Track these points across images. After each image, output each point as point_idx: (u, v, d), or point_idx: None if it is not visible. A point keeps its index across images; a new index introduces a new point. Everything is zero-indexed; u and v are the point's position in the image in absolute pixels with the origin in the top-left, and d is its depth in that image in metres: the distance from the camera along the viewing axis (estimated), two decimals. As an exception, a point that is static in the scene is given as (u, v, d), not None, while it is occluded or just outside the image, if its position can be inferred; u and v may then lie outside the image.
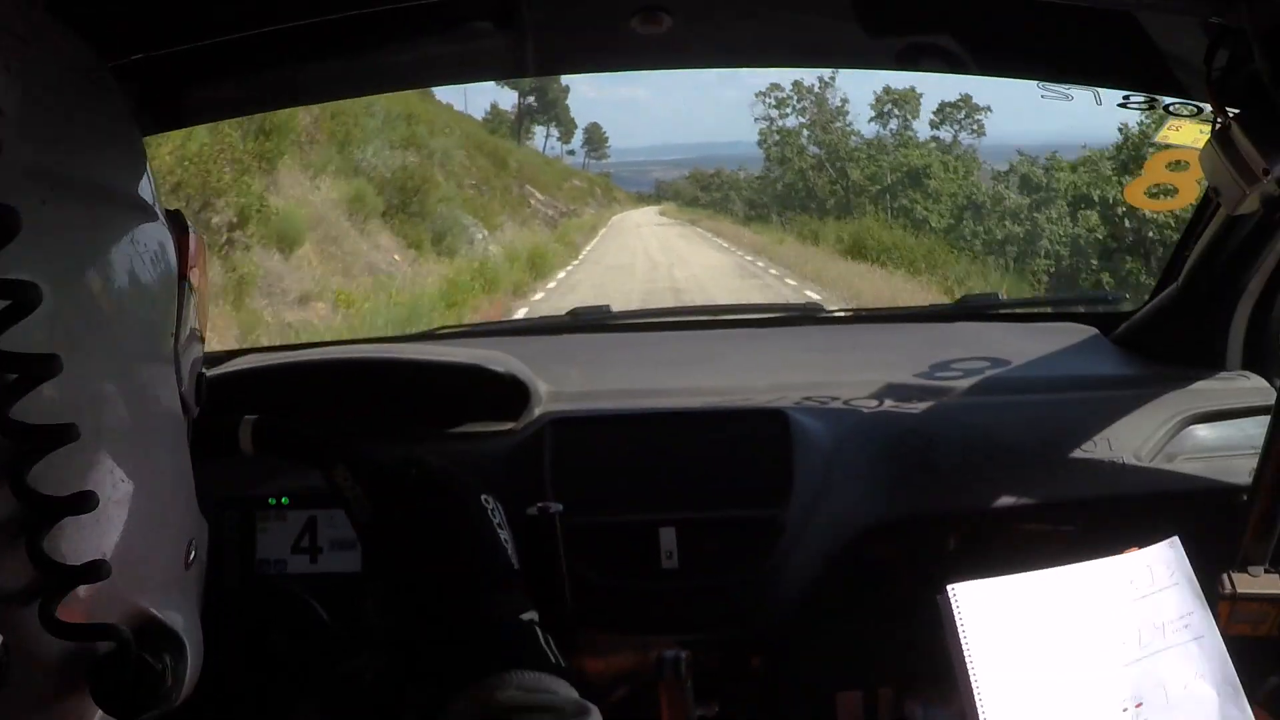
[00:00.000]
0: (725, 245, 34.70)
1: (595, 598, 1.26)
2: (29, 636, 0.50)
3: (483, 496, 0.94)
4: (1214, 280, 1.60)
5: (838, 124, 46.02)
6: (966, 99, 43.70)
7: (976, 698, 0.99)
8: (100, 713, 0.55)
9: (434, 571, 0.89)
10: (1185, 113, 1.21)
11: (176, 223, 0.65)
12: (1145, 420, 1.47)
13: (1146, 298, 1.79)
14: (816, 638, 1.42)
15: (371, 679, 1.10)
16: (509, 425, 1.47)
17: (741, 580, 1.32)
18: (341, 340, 2.14)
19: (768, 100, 47.22)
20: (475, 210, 23.38)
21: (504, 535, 0.92)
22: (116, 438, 0.55)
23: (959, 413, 1.50)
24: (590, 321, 1.98)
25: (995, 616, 1.03)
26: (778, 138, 47.64)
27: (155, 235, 0.60)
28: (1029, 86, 1.26)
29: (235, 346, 2.20)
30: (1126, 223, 24.70)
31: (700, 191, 65.39)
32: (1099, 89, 1.27)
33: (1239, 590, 1.15)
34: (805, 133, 46.88)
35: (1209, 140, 1.08)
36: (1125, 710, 0.99)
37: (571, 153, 71.66)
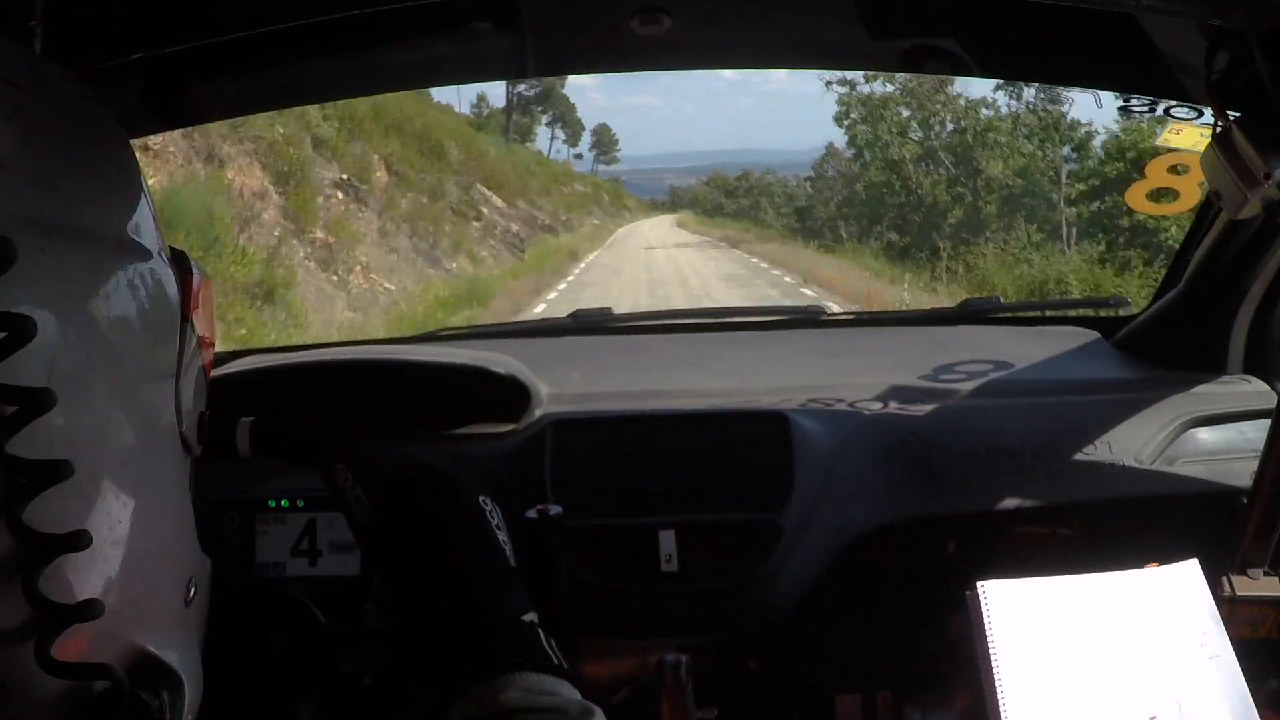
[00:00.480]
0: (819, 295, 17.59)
1: (595, 601, 1.26)
2: (24, 674, 0.50)
3: (480, 497, 0.94)
4: (1215, 284, 1.60)
5: (948, 94, 28.77)
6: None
7: (999, 695, 0.99)
8: None
9: (433, 571, 0.90)
10: (1186, 116, 1.21)
11: (180, 264, 0.65)
12: (1146, 423, 1.47)
13: (1148, 302, 1.79)
14: (816, 641, 1.42)
15: (370, 681, 1.10)
16: (509, 427, 1.47)
17: (741, 583, 1.32)
18: (342, 342, 2.14)
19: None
20: (338, 228, 14.71)
21: (502, 537, 0.92)
22: (115, 476, 0.55)
23: (960, 416, 1.50)
24: (591, 323, 1.97)
25: (1022, 617, 1.04)
26: (863, 111, 30.33)
27: (156, 278, 0.60)
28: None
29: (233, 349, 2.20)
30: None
31: (725, 198, 59.99)
32: (1100, 91, 1.27)
33: (1238, 593, 1.15)
34: (904, 110, 29.95)
35: (1210, 143, 1.08)
36: None
37: (579, 156, 68.22)
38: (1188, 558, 1.10)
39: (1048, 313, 2.10)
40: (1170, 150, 1.25)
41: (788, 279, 21.75)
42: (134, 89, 1.19)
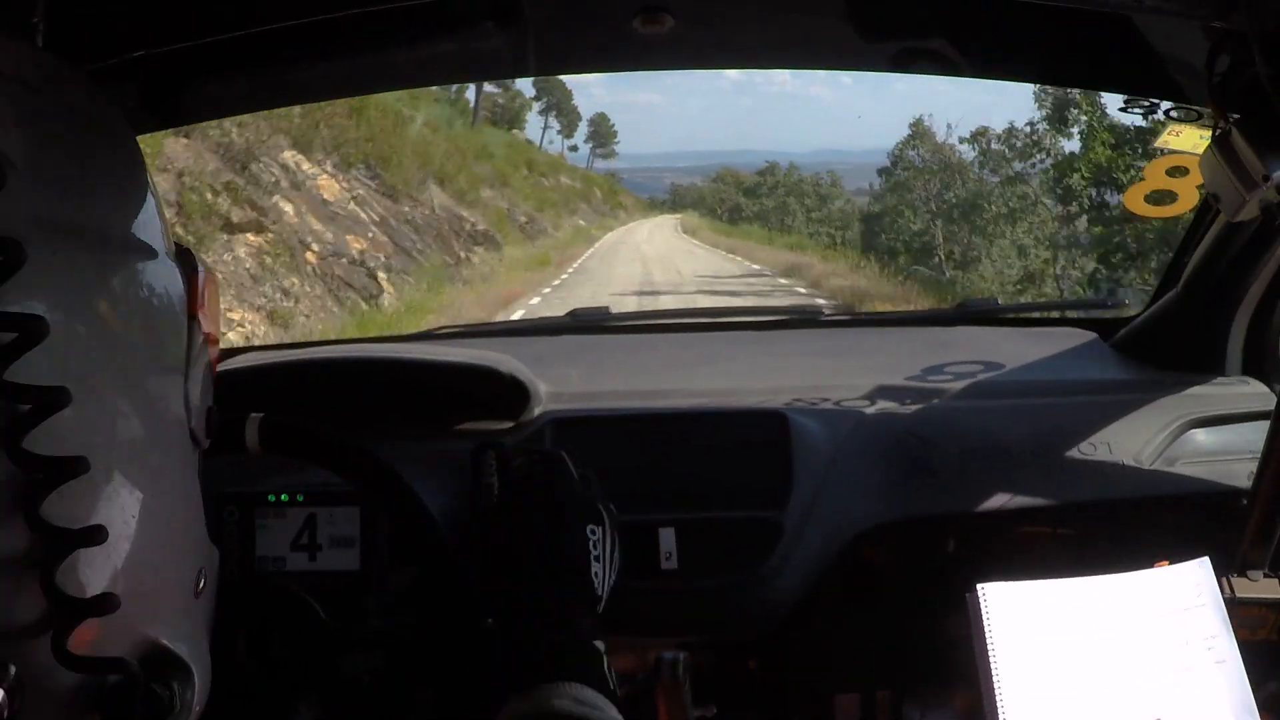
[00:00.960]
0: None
1: None
2: (41, 667, 0.51)
3: (589, 526, 1.05)
4: (1214, 286, 1.60)
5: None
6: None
7: (997, 698, 0.99)
8: None
9: (530, 581, 1.00)
10: (1186, 118, 1.21)
11: (186, 262, 0.65)
12: (1145, 424, 1.47)
13: (1146, 303, 1.80)
14: (814, 640, 1.42)
15: (370, 679, 1.10)
16: (509, 425, 1.47)
17: (740, 582, 1.32)
18: (342, 339, 2.14)
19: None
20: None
21: (596, 568, 1.03)
22: (127, 472, 0.56)
23: (958, 416, 1.50)
24: (590, 323, 1.98)
25: (1023, 619, 1.04)
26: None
27: (163, 275, 0.61)
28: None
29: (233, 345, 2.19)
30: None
31: (743, 197, 50.95)
32: (1100, 93, 1.26)
33: (1238, 595, 1.15)
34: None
35: (1209, 146, 1.08)
36: None
37: (574, 149, 62.73)
38: (1187, 559, 1.10)
39: (1046, 314, 2.10)
40: (1170, 152, 1.25)
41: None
42: (134, 87, 1.19)
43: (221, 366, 1.55)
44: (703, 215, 52.65)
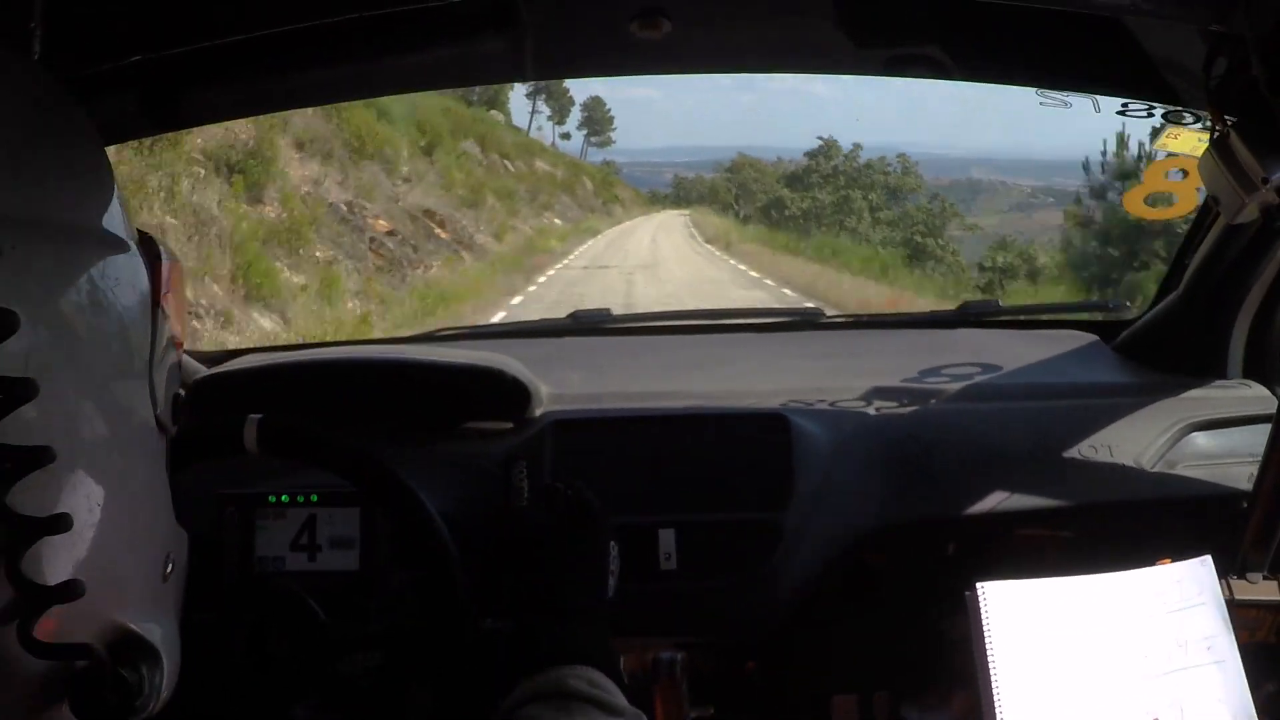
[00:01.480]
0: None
1: None
2: (9, 654, 0.51)
3: (611, 542, 1.11)
4: (1214, 289, 1.60)
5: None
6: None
7: (995, 697, 0.99)
8: None
9: (559, 579, 1.07)
10: (1184, 120, 1.20)
11: (149, 249, 0.65)
12: (1146, 427, 1.47)
13: (1147, 305, 1.79)
14: (813, 642, 1.42)
15: (370, 680, 1.11)
16: (510, 426, 1.47)
17: (739, 583, 1.32)
18: (341, 341, 2.15)
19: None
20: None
21: (611, 583, 1.09)
22: (92, 460, 0.56)
23: (959, 418, 1.50)
24: (591, 324, 1.98)
25: (1021, 618, 1.04)
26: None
27: (125, 266, 0.61)
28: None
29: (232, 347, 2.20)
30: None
31: (786, 189, 37.15)
32: (1097, 96, 1.27)
33: (1237, 597, 1.15)
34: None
35: (1208, 148, 1.08)
36: None
37: (566, 136, 53.39)
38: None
39: (1046, 316, 2.09)
40: (1168, 155, 1.25)
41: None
42: (132, 92, 1.19)
43: (225, 367, 1.56)
44: (720, 213, 39.53)
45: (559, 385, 1.56)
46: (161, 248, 0.67)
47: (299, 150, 13.35)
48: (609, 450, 1.42)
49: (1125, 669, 1.02)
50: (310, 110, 12.24)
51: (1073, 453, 1.44)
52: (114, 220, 0.61)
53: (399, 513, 1.12)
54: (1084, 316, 2.01)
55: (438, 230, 15.90)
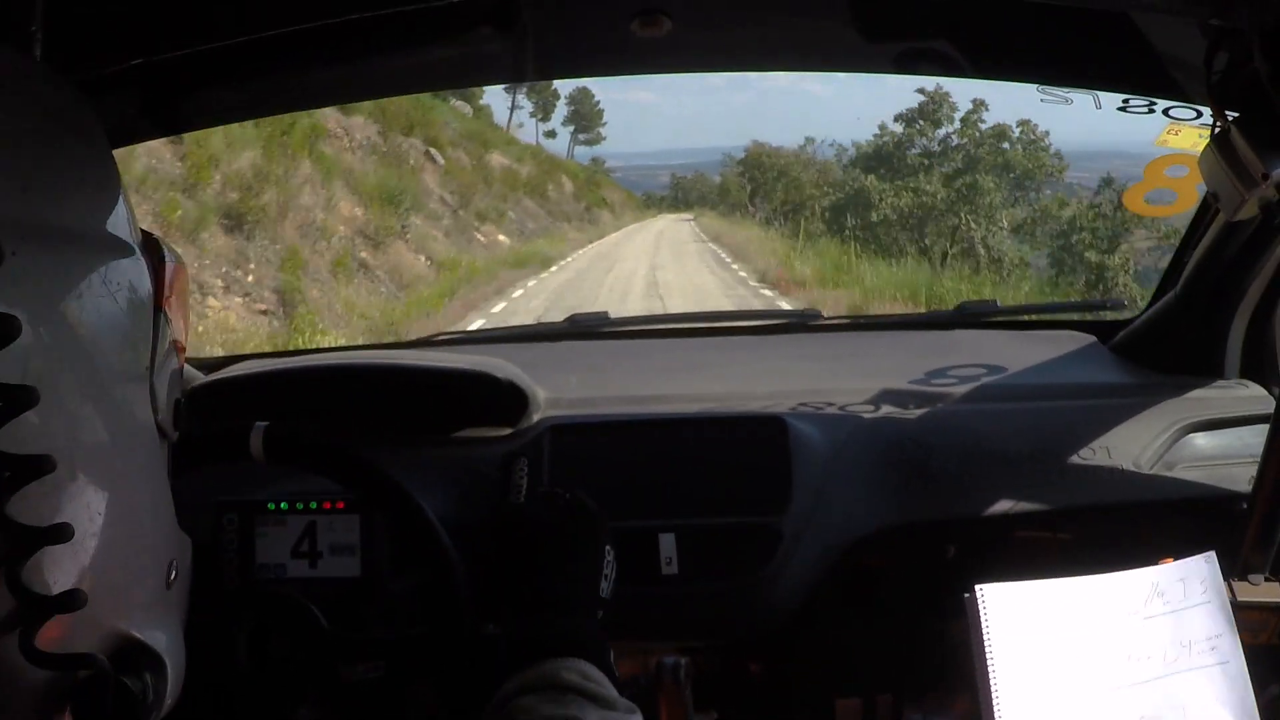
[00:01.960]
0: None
1: None
2: (10, 663, 0.51)
3: (607, 547, 1.13)
4: (1213, 287, 1.60)
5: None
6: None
7: (994, 699, 0.99)
8: None
9: (553, 576, 1.09)
10: (1185, 117, 1.20)
11: (153, 252, 0.65)
12: (1144, 428, 1.47)
13: (1145, 305, 1.79)
14: (815, 644, 1.41)
15: (371, 686, 1.10)
16: (508, 431, 1.47)
17: (740, 586, 1.32)
18: (339, 347, 2.14)
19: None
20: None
21: (605, 585, 1.11)
22: (93, 467, 0.55)
23: (957, 420, 1.50)
24: (588, 328, 1.97)
25: (1021, 620, 1.03)
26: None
27: (128, 271, 0.61)
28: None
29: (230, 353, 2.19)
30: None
31: (875, 179, 24.17)
32: (1098, 92, 1.26)
33: (1239, 598, 1.14)
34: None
35: (1208, 144, 1.08)
36: None
37: (551, 134, 48.56)
38: None
39: (1044, 316, 2.09)
40: (1169, 151, 1.25)
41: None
42: (133, 95, 1.19)
43: (223, 374, 1.56)
44: (725, 215, 31.03)
45: (557, 390, 1.56)
46: (165, 250, 0.66)
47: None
48: (607, 455, 1.41)
49: (1126, 671, 1.02)
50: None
51: (1071, 454, 1.43)
52: (118, 223, 0.61)
53: (401, 519, 1.12)
54: (1081, 316, 2.01)
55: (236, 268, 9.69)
